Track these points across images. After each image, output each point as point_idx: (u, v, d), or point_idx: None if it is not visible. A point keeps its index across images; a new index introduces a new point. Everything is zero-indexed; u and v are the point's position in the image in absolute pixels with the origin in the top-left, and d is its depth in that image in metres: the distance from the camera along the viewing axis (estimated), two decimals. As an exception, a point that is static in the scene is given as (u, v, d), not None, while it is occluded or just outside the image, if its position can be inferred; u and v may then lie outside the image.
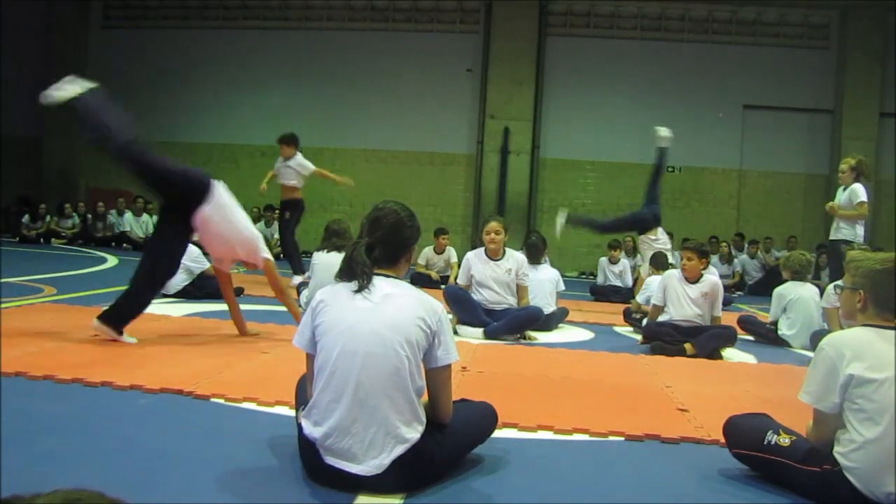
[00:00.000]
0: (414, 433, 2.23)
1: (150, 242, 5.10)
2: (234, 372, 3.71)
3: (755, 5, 13.60)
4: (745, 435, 2.63)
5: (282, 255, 12.78)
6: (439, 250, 9.76)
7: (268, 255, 4.66)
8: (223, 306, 6.22)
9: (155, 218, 13.25)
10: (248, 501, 2.19)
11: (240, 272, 9.58)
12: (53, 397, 3.09)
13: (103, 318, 4.23)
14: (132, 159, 4.21)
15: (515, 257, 5.76)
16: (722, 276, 8.46)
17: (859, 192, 6.58)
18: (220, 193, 4.37)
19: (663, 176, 8.45)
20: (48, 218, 13.29)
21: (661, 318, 5.53)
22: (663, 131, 8.19)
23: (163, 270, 4.42)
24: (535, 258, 6.47)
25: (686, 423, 3.28)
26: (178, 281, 6.52)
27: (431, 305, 2.33)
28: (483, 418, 2.65)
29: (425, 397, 2.37)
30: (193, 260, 6.66)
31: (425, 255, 9.74)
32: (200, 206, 4.24)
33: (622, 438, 3.02)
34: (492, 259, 5.69)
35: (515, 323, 5.49)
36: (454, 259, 9.76)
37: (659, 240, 7.69)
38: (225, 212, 4.38)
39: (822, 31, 13.62)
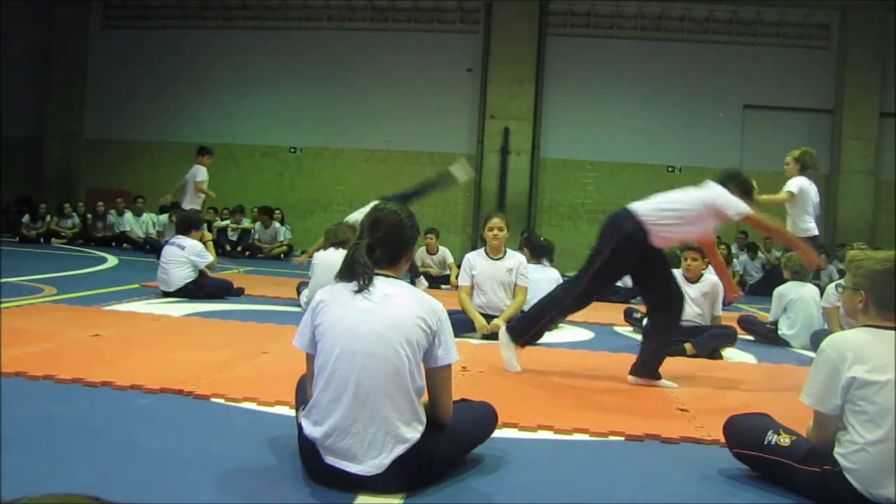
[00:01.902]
0: (414, 433, 2.23)
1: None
2: (234, 372, 3.71)
3: (755, 5, 13.59)
4: (745, 435, 2.62)
5: (282, 256, 12.86)
6: (431, 251, 9.68)
7: None
8: (223, 306, 6.25)
9: (154, 217, 13.25)
10: (248, 501, 2.19)
11: (239, 272, 9.60)
12: (53, 397, 3.09)
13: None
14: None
15: (516, 257, 5.72)
16: (722, 276, 8.43)
17: (790, 182, 6.74)
18: None
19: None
20: (48, 218, 13.28)
21: (661, 318, 5.52)
22: (456, 170, 7.43)
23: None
24: (547, 257, 6.59)
25: (686, 423, 3.28)
26: (181, 277, 6.52)
27: (431, 305, 2.33)
28: (483, 418, 2.65)
29: (425, 397, 2.37)
30: (197, 255, 6.65)
31: (419, 256, 9.56)
32: None
33: (622, 438, 3.02)
34: (492, 257, 5.67)
35: None
36: (450, 259, 9.70)
37: None
38: None
39: (822, 31, 13.61)
